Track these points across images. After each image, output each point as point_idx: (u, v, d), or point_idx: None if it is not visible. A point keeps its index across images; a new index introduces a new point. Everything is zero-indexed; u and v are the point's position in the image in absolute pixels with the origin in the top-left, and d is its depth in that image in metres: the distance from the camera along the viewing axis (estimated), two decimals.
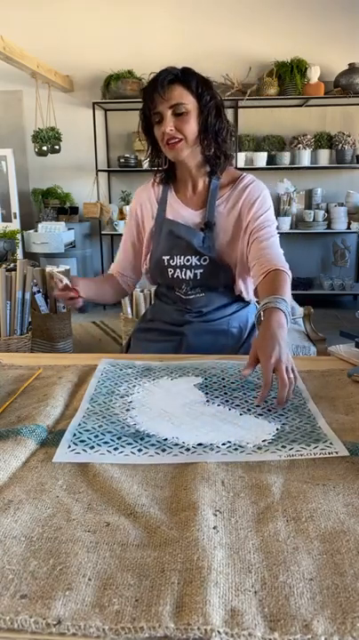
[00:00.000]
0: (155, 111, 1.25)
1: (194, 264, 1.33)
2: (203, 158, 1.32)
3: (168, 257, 1.35)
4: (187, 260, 1.33)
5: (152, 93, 1.23)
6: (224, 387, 1.02)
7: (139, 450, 0.79)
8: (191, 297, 1.37)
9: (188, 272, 1.34)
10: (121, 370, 1.12)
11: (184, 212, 1.36)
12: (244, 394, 0.99)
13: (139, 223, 1.45)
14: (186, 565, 0.54)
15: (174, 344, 1.38)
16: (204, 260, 1.33)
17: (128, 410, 0.92)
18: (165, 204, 1.39)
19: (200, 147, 1.29)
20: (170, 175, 1.40)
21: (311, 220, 4.65)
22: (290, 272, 1.22)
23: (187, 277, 1.35)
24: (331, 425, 0.86)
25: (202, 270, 1.33)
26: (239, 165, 4.59)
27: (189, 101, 1.24)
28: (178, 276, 1.36)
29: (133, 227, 1.46)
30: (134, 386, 1.03)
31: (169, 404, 0.95)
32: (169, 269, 1.36)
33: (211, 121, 1.26)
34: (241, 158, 4.62)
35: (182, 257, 1.34)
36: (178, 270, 1.35)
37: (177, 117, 1.24)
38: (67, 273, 2.31)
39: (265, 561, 0.55)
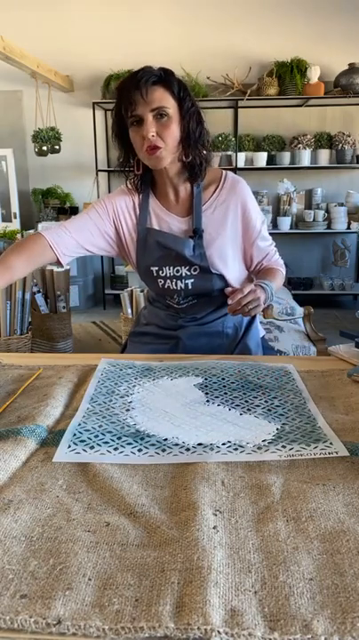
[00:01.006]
0: (133, 113, 1.15)
1: (184, 274, 1.29)
2: (182, 164, 1.25)
3: (156, 268, 1.30)
4: (177, 271, 1.28)
5: (131, 94, 1.14)
6: (224, 387, 1.02)
7: (139, 450, 0.79)
8: (184, 305, 1.34)
9: (179, 282, 1.30)
10: (121, 370, 1.12)
11: (170, 220, 1.30)
12: (244, 394, 0.99)
13: (114, 220, 1.32)
14: (186, 565, 0.54)
15: (170, 347, 1.36)
16: (195, 270, 1.28)
17: (128, 410, 0.92)
18: (147, 212, 1.31)
19: (180, 153, 1.22)
20: (146, 181, 1.31)
21: (311, 220, 4.65)
22: (282, 267, 1.38)
23: (179, 288, 1.30)
24: (331, 425, 0.86)
25: (193, 280, 1.29)
26: (239, 165, 4.59)
27: (171, 105, 1.16)
28: (168, 287, 1.31)
29: (104, 216, 1.31)
30: (134, 386, 1.03)
31: (169, 404, 0.95)
32: (158, 280, 1.31)
33: (192, 127, 1.19)
34: (241, 158, 4.62)
35: (171, 268, 1.29)
36: (168, 281, 1.30)
37: (158, 122, 1.16)
38: (66, 273, 2.31)
39: (265, 561, 0.55)
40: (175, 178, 1.28)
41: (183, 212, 1.31)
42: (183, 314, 1.36)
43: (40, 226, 4.56)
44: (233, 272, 1.33)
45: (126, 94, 1.15)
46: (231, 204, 1.29)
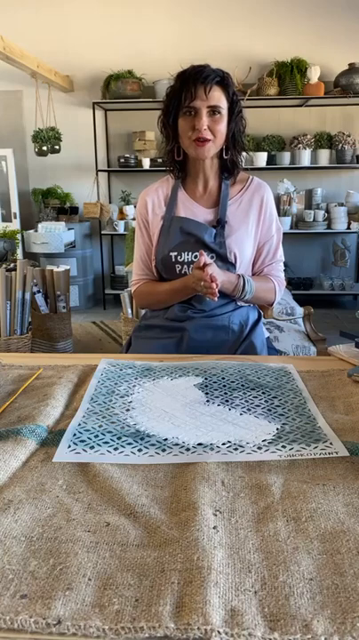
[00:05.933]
0: (190, 105, 1.26)
1: None
2: (219, 161, 1.38)
3: (175, 253, 1.37)
4: (196, 257, 1.34)
5: (194, 87, 1.24)
6: (224, 387, 1.02)
7: (139, 450, 0.79)
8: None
9: None
10: (121, 370, 1.12)
11: (196, 210, 1.40)
12: (244, 394, 0.99)
13: (150, 226, 1.45)
14: (186, 565, 0.54)
15: (175, 340, 1.38)
16: (212, 258, 1.34)
17: (128, 410, 0.92)
18: (174, 201, 1.41)
19: (221, 151, 1.35)
20: (182, 169, 1.42)
21: (311, 219, 4.65)
22: (279, 284, 1.45)
23: None
24: (331, 425, 0.86)
25: None
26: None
27: (224, 106, 1.29)
28: (185, 272, 1.37)
29: (146, 237, 1.46)
30: (134, 386, 1.03)
31: (169, 404, 0.95)
32: (176, 265, 1.38)
33: (237, 128, 1.34)
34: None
35: (190, 253, 1.36)
36: (185, 266, 1.37)
37: (211, 118, 1.28)
38: (66, 273, 2.31)
39: (265, 561, 0.55)
40: (209, 171, 1.39)
41: (209, 204, 1.41)
42: (194, 302, 1.40)
43: (40, 226, 4.57)
44: (245, 265, 1.39)
45: (188, 86, 1.25)
46: (254, 204, 1.40)
